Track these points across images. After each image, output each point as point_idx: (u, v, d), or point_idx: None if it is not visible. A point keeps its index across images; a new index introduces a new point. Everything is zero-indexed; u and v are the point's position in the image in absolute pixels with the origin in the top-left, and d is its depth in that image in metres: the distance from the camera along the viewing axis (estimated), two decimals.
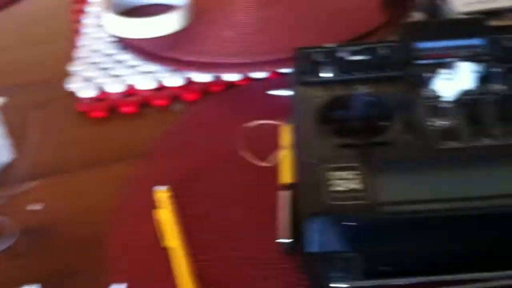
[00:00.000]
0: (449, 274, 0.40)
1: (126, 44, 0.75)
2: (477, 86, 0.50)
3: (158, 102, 0.67)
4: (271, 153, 0.57)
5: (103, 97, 0.69)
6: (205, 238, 0.50)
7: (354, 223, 0.39)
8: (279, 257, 0.47)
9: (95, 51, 0.76)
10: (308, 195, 0.42)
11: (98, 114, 0.66)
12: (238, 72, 0.68)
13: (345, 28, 0.71)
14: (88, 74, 0.71)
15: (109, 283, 0.46)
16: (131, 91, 0.69)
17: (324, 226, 0.40)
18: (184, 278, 0.46)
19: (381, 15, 0.73)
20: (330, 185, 0.42)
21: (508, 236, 0.40)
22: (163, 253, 0.48)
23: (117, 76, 0.71)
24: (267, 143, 0.60)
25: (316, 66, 0.54)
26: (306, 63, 0.54)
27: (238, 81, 0.70)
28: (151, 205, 0.53)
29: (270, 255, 0.48)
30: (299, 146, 0.47)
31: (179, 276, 0.46)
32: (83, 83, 0.70)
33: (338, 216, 0.39)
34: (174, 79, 0.69)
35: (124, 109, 0.67)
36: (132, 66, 0.72)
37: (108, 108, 0.67)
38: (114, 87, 0.69)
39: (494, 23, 0.73)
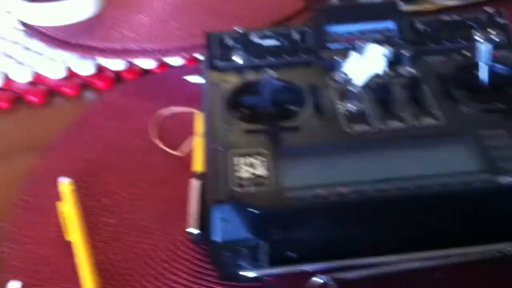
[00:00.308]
0: (356, 258, 0.40)
1: (34, 31, 0.71)
2: (387, 70, 0.50)
3: (67, 91, 0.65)
4: (185, 141, 0.56)
5: (7, 86, 0.65)
6: (112, 230, 0.48)
7: (257, 211, 0.38)
8: (188, 248, 0.46)
9: (1, 38, 0.72)
10: (213, 182, 0.41)
11: (2, 104, 0.63)
12: (152, 58, 0.66)
13: (263, 14, 0.70)
14: None
15: (7, 280, 0.44)
16: (38, 80, 0.66)
17: (228, 214, 0.39)
18: (86, 273, 0.43)
19: (299, 1, 0.72)
20: (236, 171, 0.41)
21: (413, 219, 0.40)
22: (67, 247, 0.46)
23: (23, 64, 0.67)
24: (183, 132, 0.58)
25: (228, 51, 0.53)
26: (217, 48, 0.53)
27: (153, 68, 0.68)
28: (56, 198, 0.50)
29: (179, 246, 0.46)
30: (208, 133, 0.46)
31: (81, 271, 0.44)
32: None
33: (241, 204, 0.38)
34: (84, 67, 0.66)
35: (31, 99, 0.64)
36: (40, 54, 0.69)
37: (13, 98, 0.64)
38: (20, 76, 0.66)
39: (406, 8, 0.74)
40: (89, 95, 0.65)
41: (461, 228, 0.40)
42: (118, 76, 0.67)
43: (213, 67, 0.52)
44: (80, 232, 0.47)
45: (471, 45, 0.52)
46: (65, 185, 0.50)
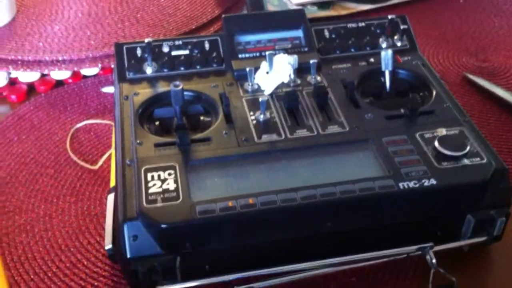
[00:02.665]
0: (269, 266, 0.41)
1: None
2: (294, 78, 0.51)
3: None
4: (102, 154, 0.56)
5: None
6: (27, 250, 0.47)
7: (166, 226, 0.38)
8: (105, 264, 0.46)
9: None
10: (123, 198, 0.41)
11: None
12: (66, 69, 0.65)
13: (177, 22, 0.70)
14: None
15: None
16: None
17: (139, 230, 0.39)
18: None
19: (214, 10, 0.73)
20: (146, 187, 0.41)
21: (321, 226, 0.41)
22: None
23: None
24: (98, 144, 0.58)
25: (138, 62, 0.53)
26: (127, 59, 0.53)
27: (67, 78, 0.67)
28: None
29: (96, 262, 0.46)
30: (118, 148, 0.46)
31: None
32: None
33: (150, 219, 0.39)
34: None
35: None
36: None
37: None
38: None
39: (314, 14, 0.76)
40: (1, 108, 0.64)
41: (367, 232, 0.42)
42: (31, 88, 0.66)
43: (124, 79, 0.52)
44: None
45: (376, 52, 0.54)
46: None
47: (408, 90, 0.52)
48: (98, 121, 0.60)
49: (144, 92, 0.50)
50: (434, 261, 0.41)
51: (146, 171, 0.42)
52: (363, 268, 0.43)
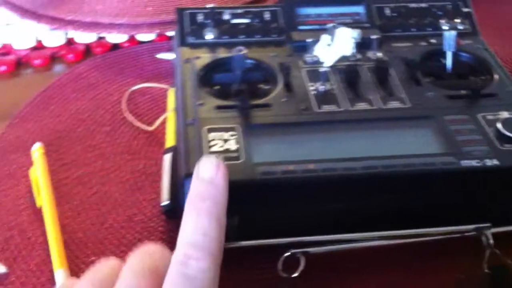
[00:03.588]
0: (322, 234, 0.41)
1: (4, 1, 0.70)
2: (355, 52, 0.51)
3: (36, 62, 0.64)
4: (158, 116, 0.56)
5: None
6: (84, 201, 0.48)
7: None
8: (160, 220, 0.47)
9: None
10: (186, 156, 0.41)
11: None
12: (122, 33, 0.66)
13: None
14: None
15: None
16: (7, 50, 0.66)
17: None
18: (53, 238, 0.44)
19: None
20: (207, 145, 0.41)
21: (378, 197, 0.41)
22: (38, 215, 0.47)
23: None
24: (153, 107, 0.59)
25: (199, 28, 0.53)
26: (189, 24, 0.54)
27: (123, 42, 0.68)
28: (25, 166, 0.51)
29: (152, 218, 0.47)
30: (180, 108, 0.46)
31: (49, 237, 0.44)
32: None
33: None
34: (54, 39, 0.66)
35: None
36: (9, 24, 0.68)
37: None
38: None
39: None
40: (57, 67, 0.65)
41: (424, 208, 0.42)
42: (87, 49, 0.67)
43: (184, 43, 0.53)
44: (50, 197, 0.47)
45: (437, 33, 0.54)
46: (36, 149, 0.51)
47: (469, 72, 0.52)
48: (154, 84, 0.61)
49: (204, 57, 0.51)
50: (491, 241, 0.41)
51: (208, 130, 0.43)
52: (416, 243, 0.43)
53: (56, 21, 0.66)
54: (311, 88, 0.48)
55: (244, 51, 0.46)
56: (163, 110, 0.57)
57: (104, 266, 0.35)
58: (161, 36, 0.69)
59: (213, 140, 0.42)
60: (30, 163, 0.50)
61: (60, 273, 0.42)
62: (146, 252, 0.34)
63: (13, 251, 0.44)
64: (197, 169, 0.35)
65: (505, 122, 0.44)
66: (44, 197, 0.47)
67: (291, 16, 0.54)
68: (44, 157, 0.51)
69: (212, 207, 0.34)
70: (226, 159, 0.40)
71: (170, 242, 0.35)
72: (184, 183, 0.40)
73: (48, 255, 0.44)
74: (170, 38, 0.68)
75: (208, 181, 0.35)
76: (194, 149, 0.42)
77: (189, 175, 0.40)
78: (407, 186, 0.41)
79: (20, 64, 0.65)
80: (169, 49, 0.66)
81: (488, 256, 0.41)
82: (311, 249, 0.41)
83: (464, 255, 0.44)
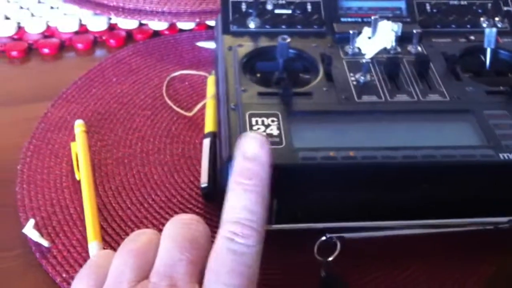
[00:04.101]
0: (359, 221, 0.42)
1: None
2: (396, 46, 0.52)
3: (79, 45, 0.66)
4: (196, 103, 0.57)
5: (21, 36, 0.66)
6: (124, 180, 0.50)
7: None
8: (198, 202, 0.48)
9: None
10: (228, 139, 0.42)
11: (16, 53, 0.64)
12: (164, 20, 0.67)
13: None
14: (7, 12, 0.69)
15: (23, 220, 0.46)
16: (51, 33, 0.67)
17: None
18: (90, 211, 0.46)
19: None
20: (249, 130, 0.42)
21: (417, 187, 0.42)
22: (79, 190, 0.48)
23: (37, 16, 0.68)
24: (192, 94, 0.60)
25: (242, 17, 0.54)
26: (232, 12, 0.54)
27: (164, 30, 0.69)
28: (67, 144, 0.52)
29: (190, 200, 0.48)
30: (223, 93, 0.47)
31: (86, 209, 0.46)
32: (1, 22, 0.67)
33: None
34: (97, 23, 0.68)
35: (43, 50, 0.65)
36: (54, 7, 0.70)
37: (26, 48, 0.65)
38: (34, 27, 0.67)
39: None
40: (99, 51, 0.66)
41: (461, 199, 0.43)
42: (129, 35, 0.68)
43: (227, 31, 0.54)
44: (88, 170, 0.49)
45: (476, 30, 0.54)
46: (77, 125, 0.52)
47: (508, 70, 0.52)
48: (193, 72, 0.62)
49: (247, 45, 0.52)
50: None
51: (250, 115, 0.44)
52: (451, 234, 0.43)
53: (99, 6, 0.67)
54: (352, 78, 0.48)
55: (288, 39, 0.47)
56: (202, 96, 0.59)
57: (141, 235, 0.35)
58: (200, 25, 0.70)
59: (255, 124, 0.43)
60: (70, 140, 0.52)
61: (94, 245, 0.44)
62: (183, 222, 0.35)
63: (55, 227, 0.46)
64: (241, 146, 0.35)
65: None
66: (82, 170, 0.48)
67: (333, 8, 0.55)
68: (84, 134, 0.52)
69: (257, 185, 0.34)
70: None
71: (207, 223, 0.36)
72: (227, 166, 0.41)
73: None
74: (209, 27, 0.69)
75: (252, 158, 0.34)
76: (236, 134, 0.42)
77: (231, 158, 0.41)
78: (445, 176, 0.42)
79: (63, 47, 0.66)
80: (209, 38, 0.67)
81: None
82: (347, 234, 0.42)
83: (497, 248, 0.45)
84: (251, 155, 0.35)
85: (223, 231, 0.33)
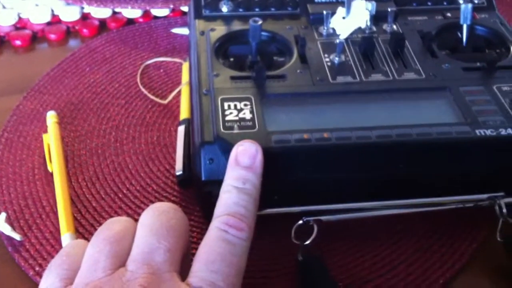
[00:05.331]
0: (335, 203, 0.41)
1: None
2: (371, 25, 0.51)
3: (51, 36, 0.65)
4: (172, 90, 0.56)
5: None
6: (98, 171, 0.49)
7: None
8: (174, 190, 0.47)
9: None
10: (201, 125, 0.41)
11: None
12: (138, 7, 0.66)
13: None
14: None
15: None
16: (23, 24, 0.66)
17: (215, 154, 0.40)
18: (62, 203, 0.45)
19: None
20: (222, 115, 0.41)
21: (393, 166, 0.41)
22: (51, 184, 0.47)
23: (8, 8, 0.67)
24: (167, 81, 0.59)
25: (215, 0, 0.53)
26: None
27: (138, 18, 0.68)
28: (40, 136, 0.51)
29: (165, 188, 0.47)
30: (195, 79, 0.47)
31: (58, 201, 0.45)
32: None
33: (228, 144, 0.39)
34: (69, 13, 0.66)
35: (15, 42, 0.64)
36: None
37: None
38: (5, 19, 0.65)
39: None
40: (73, 41, 0.65)
41: (439, 177, 0.42)
42: (102, 24, 0.67)
43: (200, 16, 0.53)
44: (60, 162, 0.48)
45: (453, 7, 0.54)
46: (50, 116, 0.51)
47: (485, 46, 0.52)
48: (168, 59, 0.61)
49: (220, 29, 0.51)
50: (504, 211, 0.41)
51: (223, 100, 0.43)
52: (430, 213, 0.43)
53: None
54: (326, 59, 0.48)
55: (260, 22, 0.46)
56: (177, 84, 0.58)
57: (115, 222, 0.35)
58: (175, 11, 0.68)
59: (228, 109, 0.42)
60: (43, 132, 0.51)
61: (67, 237, 0.43)
62: (160, 210, 0.35)
63: (28, 220, 0.45)
64: (236, 153, 0.37)
65: None
66: (54, 161, 0.48)
67: None
68: (57, 125, 0.51)
69: (250, 189, 0.36)
70: (241, 127, 0.40)
71: (184, 211, 0.36)
72: (200, 152, 0.40)
73: None
74: (184, 13, 0.68)
75: (247, 166, 0.37)
76: (209, 119, 0.42)
77: (204, 143, 0.40)
78: (421, 154, 0.41)
79: (35, 38, 0.65)
80: (183, 24, 0.66)
81: (501, 225, 0.41)
82: (324, 217, 0.41)
83: (478, 225, 0.44)
84: (245, 164, 0.37)
85: (216, 223, 0.34)
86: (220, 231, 0.34)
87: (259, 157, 0.37)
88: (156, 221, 0.34)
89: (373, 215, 0.42)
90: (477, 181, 0.42)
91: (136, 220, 0.35)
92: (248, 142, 0.38)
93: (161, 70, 0.60)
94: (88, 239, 0.42)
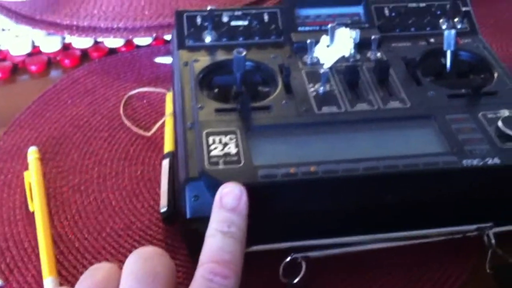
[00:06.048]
0: (324, 237, 0.41)
1: None
2: (355, 53, 0.50)
3: (32, 67, 0.64)
4: (155, 121, 0.56)
5: None
6: (81, 209, 0.48)
7: None
8: (159, 227, 0.46)
9: None
10: (185, 160, 0.41)
11: None
12: (119, 37, 0.66)
13: None
14: None
15: None
16: (3, 56, 0.65)
17: (200, 190, 0.39)
18: (44, 245, 0.44)
19: None
20: (207, 150, 0.41)
21: (380, 199, 0.41)
22: (33, 224, 0.46)
23: None
24: (150, 112, 0.58)
25: (198, 30, 0.53)
26: (187, 26, 0.53)
27: (121, 47, 0.67)
28: (21, 173, 0.50)
29: (150, 226, 0.46)
30: (179, 112, 0.46)
31: (40, 244, 0.44)
32: None
33: (213, 180, 0.38)
34: (50, 44, 0.66)
35: None
36: (5, 30, 0.67)
37: None
38: None
39: None
40: (54, 72, 0.64)
41: (426, 209, 0.42)
42: (84, 54, 0.66)
43: (183, 46, 0.52)
44: (42, 202, 0.47)
45: (437, 32, 0.54)
46: (31, 153, 0.50)
47: (469, 71, 0.52)
48: (152, 89, 0.60)
49: (203, 59, 0.50)
50: (493, 241, 0.41)
51: (208, 134, 0.42)
52: (419, 245, 0.42)
53: (52, 26, 0.65)
54: (311, 89, 0.47)
55: (244, 53, 0.46)
56: (161, 114, 0.57)
57: (98, 269, 0.34)
58: (158, 40, 0.68)
59: (213, 143, 0.41)
60: (24, 170, 0.50)
61: (49, 281, 0.41)
62: (145, 256, 0.34)
63: (9, 263, 0.44)
64: (220, 195, 0.37)
65: (506, 120, 0.43)
66: (36, 200, 0.47)
67: (290, 17, 0.54)
68: (39, 161, 0.50)
69: (235, 232, 0.35)
70: (226, 163, 0.40)
71: (169, 249, 0.35)
72: (184, 188, 0.40)
73: None
74: (167, 41, 0.68)
75: (231, 209, 0.36)
76: (194, 154, 0.41)
77: (188, 180, 0.40)
78: (409, 186, 0.41)
79: (16, 70, 0.64)
80: (167, 53, 0.65)
81: (490, 256, 0.41)
82: (311, 253, 0.40)
83: (467, 256, 0.44)
84: (230, 206, 0.36)
85: (201, 271, 0.34)
86: (206, 280, 0.33)
87: (244, 198, 0.37)
88: (141, 269, 0.33)
89: (362, 249, 0.41)
90: (465, 211, 0.42)
91: (120, 263, 0.34)
92: (232, 184, 0.37)
93: (145, 101, 0.59)
94: (71, 282, 0.42)
